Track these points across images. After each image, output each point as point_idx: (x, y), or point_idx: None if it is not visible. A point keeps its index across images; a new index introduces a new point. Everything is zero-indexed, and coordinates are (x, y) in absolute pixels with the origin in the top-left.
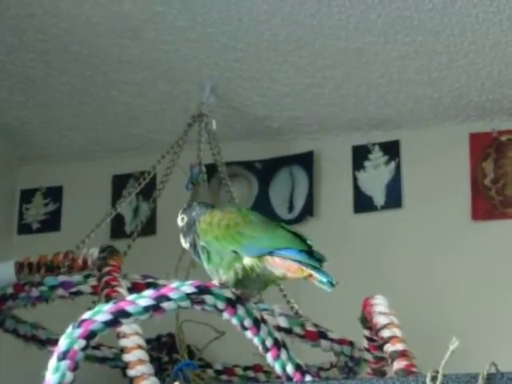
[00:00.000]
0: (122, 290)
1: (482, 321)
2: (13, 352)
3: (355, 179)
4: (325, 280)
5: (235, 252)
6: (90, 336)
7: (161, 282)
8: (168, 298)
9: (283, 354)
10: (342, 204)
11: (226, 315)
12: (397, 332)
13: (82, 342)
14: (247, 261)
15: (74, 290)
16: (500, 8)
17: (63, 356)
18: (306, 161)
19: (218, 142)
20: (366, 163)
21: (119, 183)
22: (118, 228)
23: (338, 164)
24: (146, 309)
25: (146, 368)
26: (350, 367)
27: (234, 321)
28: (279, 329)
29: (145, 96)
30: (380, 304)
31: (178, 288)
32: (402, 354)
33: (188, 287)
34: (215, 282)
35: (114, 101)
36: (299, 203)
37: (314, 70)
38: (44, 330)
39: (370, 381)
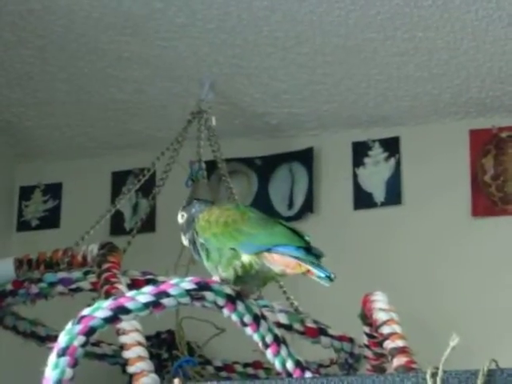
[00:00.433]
0: (122, 287)
1: (482, 317)
2: (12, 348)
3: (355, 176)
4: (323, 275)
5: (233, 249)
6: (89, 332)
7: (160, 278)
8: (168, 295)
9: (283, 351)
10: (341, 200)
11: (225, 311)
12: (397, 328)
13: (82, 339)
14: (245, 258)
15: (73, 286)
16: (500, 4)
17: (63, 352)
18: (305, 157)
19: (218, 138)
20: (366, 160)
21: (119, 180)
22: (117, 225)
23: (337, 160)
24: (146, 305)
25: (146, 365)
26: (349, 364)
27: (234, 317)
28: (279, 325)
29: (144, 93)
30: (380, 300)
31: (178, 284)
32: (402, 351)
33: (188, 283)
34: (216, 277)
35: (113, 97)
36: (299, 200)
37: (313, 67)
38: (43, 326)
39: (370, 377)
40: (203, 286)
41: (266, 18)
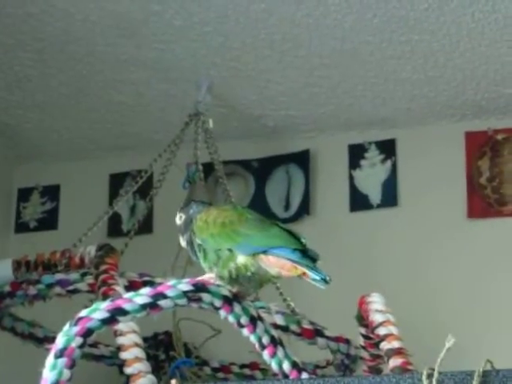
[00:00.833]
0: (119, 288)
1: (477, 318)
2: (10, 350)
3: (351, 178)
4: (318, 278)
5: (230, 250)
6: (87, 334)
7: (158, 280)
8: (165, 296)
9: (280, 352)
10: (338, 202)
11: (222, 313)
12: (393, 330)
13: (79, 340)
14: (241, 259)
15: (71, 288)
16: (495, 7)
17: (60, 354)
18: (302, 159)
19: (215, 140)
20: (362, 162)
21: (116, 182)
22: (114, 226)
23: (334, 163)
24: (143, 307)
25: (143, 366)
26: (346, 365)
27: (231, 318)
28: (276, 326)
29: (142, 95)
30: (376, 302)
31: (175, 286)
32: (398, 352)
33: (185, 285)
34: (210, 274)
35: (110, 100)
36: (295, 202)
37: (310, 69)
38: (41, 327)
39: (366, 378)
40: (200, 288)
41: (263, 21)
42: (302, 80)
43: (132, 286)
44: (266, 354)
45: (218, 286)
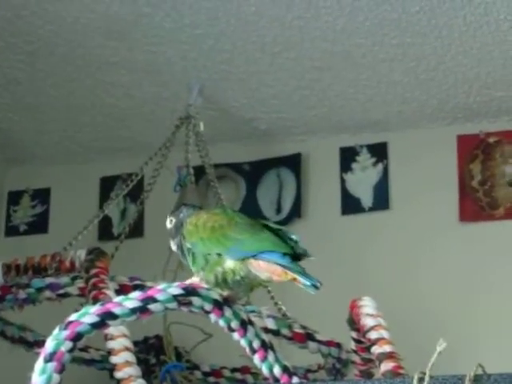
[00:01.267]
0: (110, 292)
1: (469, 322)
2: (0, 354)
3: (343, 181)
4: (308, 283)
5: (219, 255)
6: (76, 338)
7: (148, 283)
8: (155, 300)
9: (270, 356)
10: (329, 206)
11: (213, 317)
12: (384, 334)
13: (69, 344)
14: (230, 264)
15: (61, 291)
16: (487, 10)
17: (50, 358)
18: (293, 163)
19: (206, 143)
20: (354, 165)
21: (107, 185)
22: (105, 230)
23: (325, 166)
24: (133, 311)
25: (134, 370)
26: (337, 369)
27: (221, 322)
28: (267, 330)
29: (132, 98)
30: (367, 306)
31: (165, 290)
32: (390, 356)
33: (175, 289)
34: (195, 279)
35: (101, 103)
36: (287, 205)
37: (301, 72)
38: (31, 331)
39: (357, 382)
40: (190, 292)
41: (254, 23)
42: (293, 83)
43: (123, 290)
44: (256, 358)
45: (209, 289)
